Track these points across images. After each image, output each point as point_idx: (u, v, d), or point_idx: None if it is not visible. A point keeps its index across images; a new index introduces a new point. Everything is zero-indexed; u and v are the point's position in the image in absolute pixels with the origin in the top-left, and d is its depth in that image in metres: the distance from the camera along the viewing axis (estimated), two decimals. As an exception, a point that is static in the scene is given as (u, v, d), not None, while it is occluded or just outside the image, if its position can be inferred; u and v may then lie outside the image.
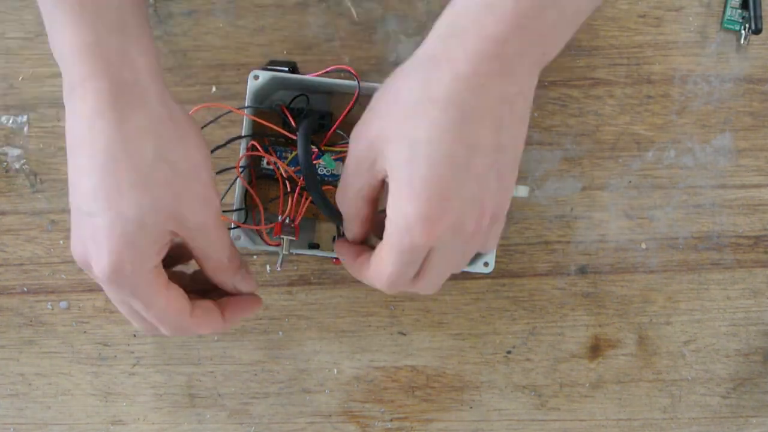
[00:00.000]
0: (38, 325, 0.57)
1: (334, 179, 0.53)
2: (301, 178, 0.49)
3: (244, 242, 0.51)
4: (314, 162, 0.50)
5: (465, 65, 0.37)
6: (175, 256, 0.45)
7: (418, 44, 0.40)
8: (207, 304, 0.44)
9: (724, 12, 0.57)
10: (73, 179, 0.39)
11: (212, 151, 0.49)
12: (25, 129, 0.56)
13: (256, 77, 0.52)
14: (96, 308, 0.57)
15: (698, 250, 0.57)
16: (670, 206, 0.57)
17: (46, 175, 0.57)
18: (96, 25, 0.38)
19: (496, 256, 0.52)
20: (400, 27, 0.56)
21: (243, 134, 0.51)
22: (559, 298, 0.57)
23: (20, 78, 0.56)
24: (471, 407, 0.57)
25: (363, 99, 0.51)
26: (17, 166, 0.57)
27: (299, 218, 0.50)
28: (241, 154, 0.51)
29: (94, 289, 0.57)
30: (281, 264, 0.49)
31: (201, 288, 0.46)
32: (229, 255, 0.43)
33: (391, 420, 0.57)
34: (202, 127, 0.50)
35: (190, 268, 0.46)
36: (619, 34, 0.58)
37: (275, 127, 0.50)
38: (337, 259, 0.54)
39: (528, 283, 0.57)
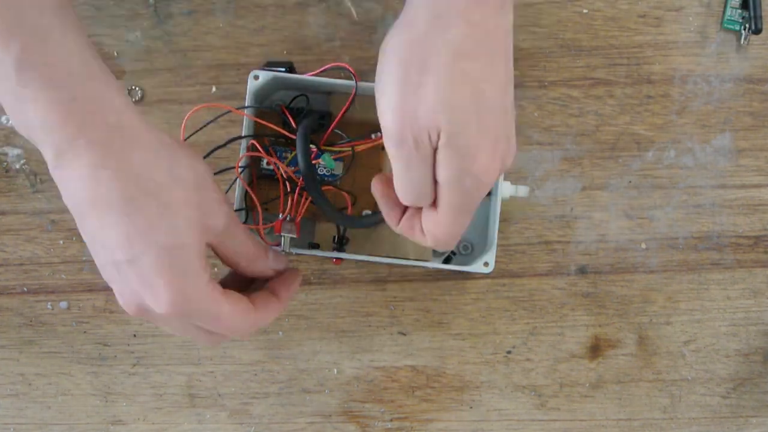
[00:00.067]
0: (38, 325, 0.57)
1: (333, 179, 0.53)
2: (301, 178, 0.49)
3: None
4: (314, 162, 0.50)
5: (474, 12, 0.38)
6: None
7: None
8: (262, 295, 0.44)
9: (724, 12, 0.57)
10: (97, 238, 0.39)
11: (212, 152, 0.50)
12: (25, 129, 0.56)
13: (256, 77, 0.52)
14: (96, 308, 0.57)
15: (698, 250, 0.57)
16: (670, 206, 0.57)
17: (46, 175, 0.57)
18: (68, 82, 0.37)
19: (496, 256, 0.52)
20: (400, 27, 0.56)
21: (243, 134, 0.51)
22: (559, 298, 0.57)
23: (20, 78, 0.56)
24: (471, 407, 0.57)
25: (361, 98, 0.51)
26: (17, 166, 0.57)
27: (299, 217, 0.50)
28: (241, 155, 0.51)
29: (94, 289, 0.57)
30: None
31: (240, 287, 0.46)
32: (254, 243, 0.44)
33: (391, 420, 0.57)
34: (202, 127, 0.50)
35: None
36: (619, 34, 0.58)
37: (275, 127, 0.50)
38: (337, 259, 0.54)
39: (528, 283, 0.57)
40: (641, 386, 0.57)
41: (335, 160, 0.52)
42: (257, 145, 0.50)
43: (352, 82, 0.50)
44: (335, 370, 0.57)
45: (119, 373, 0.57)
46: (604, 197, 0.57)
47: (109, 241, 0.38)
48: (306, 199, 0.50)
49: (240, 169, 0.51)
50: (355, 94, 0.50)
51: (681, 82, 0.57)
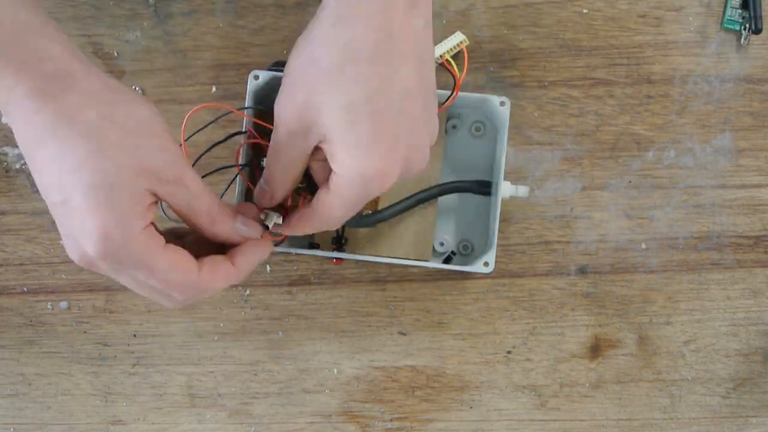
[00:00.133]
0: (38, 325, 0.57)
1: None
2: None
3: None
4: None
5: (377, 15, 0.39)
6: (178, 235, 0.45)
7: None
8: (213, 258, 0.42)
9: (724, 12, 0.57)
10: (39, 181, 0.39)
11: (211, 147, 0.50)
12: (25, 129, 0.56)
13: (256, 77, 0.52)
14: (96, 308, 0.57)
15: (698, 250, 0.57)
16: (670, 206, 0.57)
17: (46, 175, 0.57)
18: (3, 37, 0.38)
19: (496, 256, 0.52)
20: (400, 27, 0.56)
21: (243, 130, 0.51)
22: (559, 298, 0.57)
23: (20, 78, 0.56)
24: (471, 407, 0.57)
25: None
26: (17, 166, 0.58)
27: (289, 205, 0.49)
28: (241, 151, 0.51)
29: (94, 289, 0.57)
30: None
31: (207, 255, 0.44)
32: (217, 203, 0.42)
33: (391, 420, 0.57)
34: (203, 128, 0.50)
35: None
36: (619, 34, 0.58)
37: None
38: (337, 259, 0.54)
39: (528, 283, 0.57)
40: (641, 386, 0.57)
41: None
42: (255, 132, 0.50)
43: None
44: (335, 370, 0.57)
45: (119, 373, 0.57)
46: (604, 197, 0.57)
47: (47, 182, 0.38)
48: (305, 198, 0.50)
49: (240, 167, 0.51)
50: None
51: (681, 82, 0.57)
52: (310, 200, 0.44)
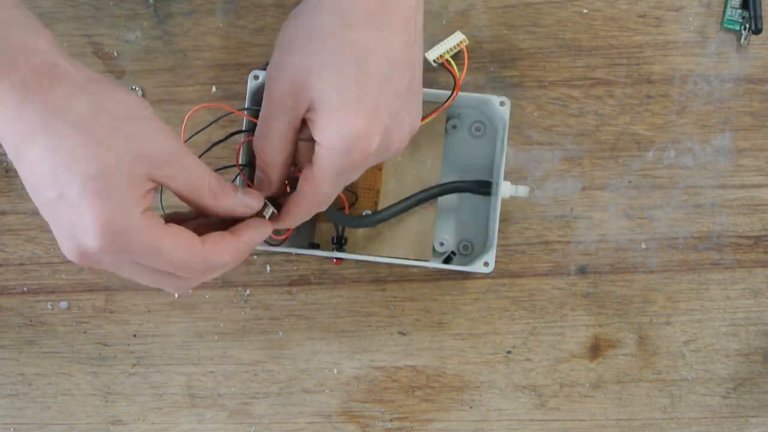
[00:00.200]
0: (38, 325, 0.57)
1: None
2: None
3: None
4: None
5: None
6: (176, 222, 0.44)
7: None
8: (216, 234, 0.41)
9: (724, 12, 0.57)
10: (30, 180, 0.38)
11: (211, 147, 0.50)
12: (25, 129, 0.56)
13: (256, 77, 0.52)
14: (96, 308, 0.57)
15: (698, 250, 0.57)
16: (670, 206, 0.57)
17: (46, 175, 0.57)
18: None
19: (496, 256, 0.52)
20: (400, 27, 0.56)
21: (243, 129, 0.51)
22: (559, 298, 0.57)
23: (20, 78, 0.56)
24: (471, 407, 0.57)
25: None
26: (17, 166, 0.57)
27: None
28: (241, 150, 0.51)
29: (94, 289, 0.57)
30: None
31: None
32: (216, 177, 0.42)
33: (391, 420, 0.57)
34: (204, 128, 0.50)
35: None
36: (619, 34, 0.58)
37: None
38: (337, 259, 0.54)
39: (528, 283, 0.57)
40: (641, 386, 0.57)
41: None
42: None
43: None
44: (335, 370, 0.57)
45: (119, 373, 0.57)
46: (604, 197, 0.57)
47: (40, 179, 0.37)
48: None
49: (241, 166, 0.51)
50: None
51: (681, 82, 0.57)
52: None
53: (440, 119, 0.55)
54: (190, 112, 0.48)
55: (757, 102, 0.57)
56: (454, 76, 0.53)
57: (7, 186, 0.58)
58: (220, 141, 0.50)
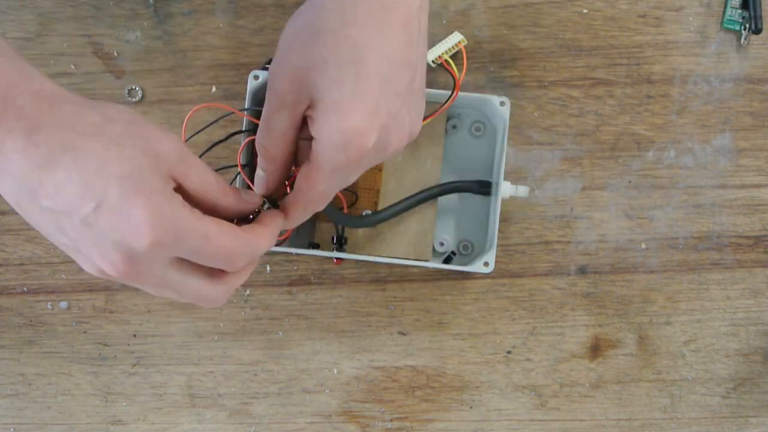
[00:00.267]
0: (38, 325, 0.57)
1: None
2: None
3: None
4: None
5: None
6: None
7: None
8: (246, 225, 0.41)
9: (724, 12, 0.57)
10: (57, 207, 0.36)
11: (212, 147, 0.50)
12: (25, 129, 0.56)
13: (256, 77, 0.52)
14: (96, 308, 0.57)
15: (698, 250, 0.57)
16: (670, 206, 0.57)
17: (46, 175, 0.57)
18: None
19: (496, 256, 0.52)
20: (400, 27, 0.56)
21: (243, 129, 0.51)
22: (559, 298, 0.57)
23: (20, 78, 0.56)
24: (471, 407, 0.57)
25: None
26: (17, 166, 0.57)
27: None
28: (241, 150, 0.51)
29: (94, 289, 0.57)
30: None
31: None
32: (216, 174, 0.41)
33: (391, 420, 0.57)
34: (204, 128, 0.50)
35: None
36: (619, 34, 0.58)
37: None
38: (337, 259, 0.54)
39: (528, 283, 0.57)
40: (641, 386, 0.57)
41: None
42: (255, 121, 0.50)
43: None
44: (335, 370, 0.57)
45: (119, 373, 0.57)
46: (604, 197, 0.57)
47: (70, 199, 0.36)
48: None
49: (242, 167, 0.51)
50: None
51: (681, 82, 0.57)
52: None
53: (440, 119, 0.55)
54: (190, 112, 0.48)
55: (757, 102, 0.57)
56: (453, 77, 0.53)
57: (7, 186, 0.58)
58: (221, 141, 0.50)
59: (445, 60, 0.55)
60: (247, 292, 0.57)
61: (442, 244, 0.56)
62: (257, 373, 0.57)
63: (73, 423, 0.57)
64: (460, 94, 0.53)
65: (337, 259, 0.54)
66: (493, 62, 0.57)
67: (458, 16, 0.58)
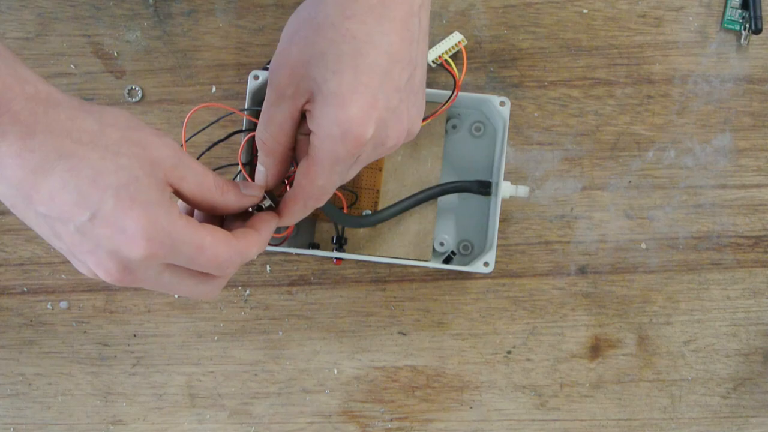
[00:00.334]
0: (38, 325, 0.57)
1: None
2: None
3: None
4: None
5: None
6: None
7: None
8: (238, 230, 0.42)
9: (724, 12, 0.57)
10: (52, 213, 0.36)
11: (212, 146, 0.50)
12: (25, 129, 0.56)
13: (256, 77, 0.52)
14: (96, 308, 0.57)
15: (698, 250, 0.57)
16: (670, 206, 0.57)
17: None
18: None
19: (496, 256, 0.52)
20: (400, 27, 0.56)
21: (243, 129, 0.51)
22: (559, 298, 0.57)
23: (20, 78, 0.56)
24: (471, 407, 0.57)
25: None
26: (17, 166, 0.57)
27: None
28: (242, 148, 0.51)
29: (94, 289, 0.57)
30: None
31: None
32: (214, 173, 0.42)
33: (391, 420, 0.57)
34: (205, 128, 0.50)
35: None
36: (619, 34, 0.58)
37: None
38: (337, 259, 0.54)
39: (528, 283, 0.57)
40: (641, 386, 0.57)
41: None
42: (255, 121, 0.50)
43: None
44: (335, 370, 0.57)
45: (119, 373, 0.57)
46: (604, 197, 0.57)
47: (65, 207, 0.36)
48: None
49: (243, 165, 0.51)
50: None
51: (681, 82, 0.57)
52: None
53: (440, 119, 0.55)
54: (191, 112, 0.48)
55: (757, 102, 0.57)
56: (453, 77, 0.53)
57: (7, 186, 0.57)
58: (221, 141, 0.50)
59: (445, 60, 0.55)
60: (247, 292, 0.57)
61: (442, 244, 0.56)
62: (257, 373, 0.57)
63: (73, 423, 0.57)
64: (460, 94, 0.53)
65: (337, 259, 0.54)
66: (493, 62, 0.57)
67: (458, 16, 0.58)
